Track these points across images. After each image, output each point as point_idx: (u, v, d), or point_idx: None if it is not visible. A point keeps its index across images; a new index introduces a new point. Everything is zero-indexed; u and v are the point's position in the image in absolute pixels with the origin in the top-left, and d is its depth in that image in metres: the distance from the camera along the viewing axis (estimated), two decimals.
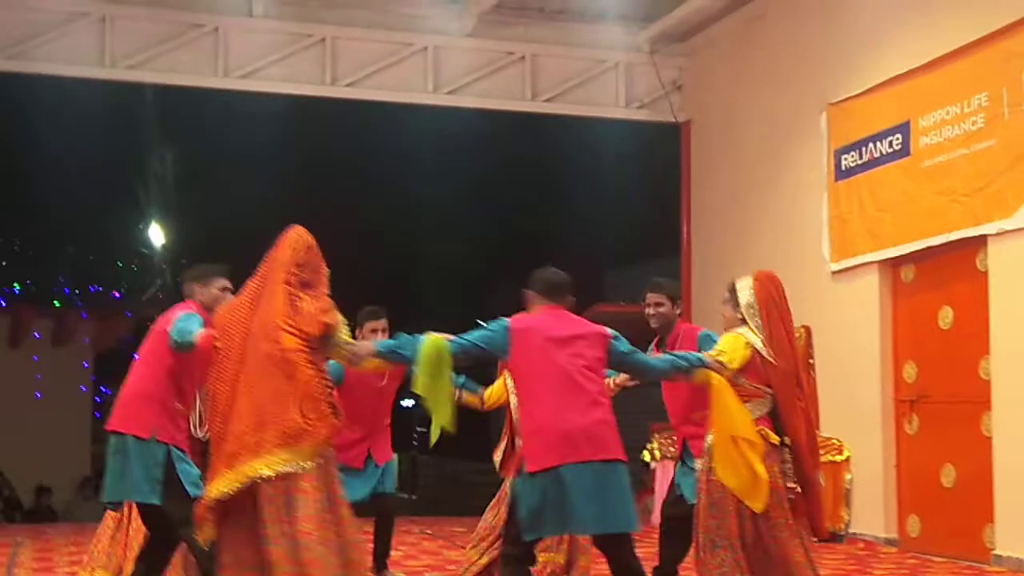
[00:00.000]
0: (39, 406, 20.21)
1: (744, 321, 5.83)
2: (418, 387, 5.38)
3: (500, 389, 6.93)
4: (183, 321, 5.86)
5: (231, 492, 5.14)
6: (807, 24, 11.46)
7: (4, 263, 21.57)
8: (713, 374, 5.68)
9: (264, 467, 5.10)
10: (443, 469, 23.79)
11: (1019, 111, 8.78)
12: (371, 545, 7.72)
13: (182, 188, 19.24)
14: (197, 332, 5.63)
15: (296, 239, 5.48)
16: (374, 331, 7.30)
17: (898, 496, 10.10)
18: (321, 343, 5.26)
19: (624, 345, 5.62)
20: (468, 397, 7.01)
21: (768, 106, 11.99)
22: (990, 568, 8.72)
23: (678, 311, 6.72)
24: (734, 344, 5.74)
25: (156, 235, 21.19)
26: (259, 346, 5.22)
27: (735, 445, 5.58)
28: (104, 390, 22.77)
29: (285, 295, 5.28)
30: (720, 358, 5.67)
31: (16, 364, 20.36)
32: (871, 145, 10.39)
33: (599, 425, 5.37)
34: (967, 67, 9.32)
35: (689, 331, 6.63)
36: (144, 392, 6.02)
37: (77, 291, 21.41)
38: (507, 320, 5.51)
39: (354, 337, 7.21)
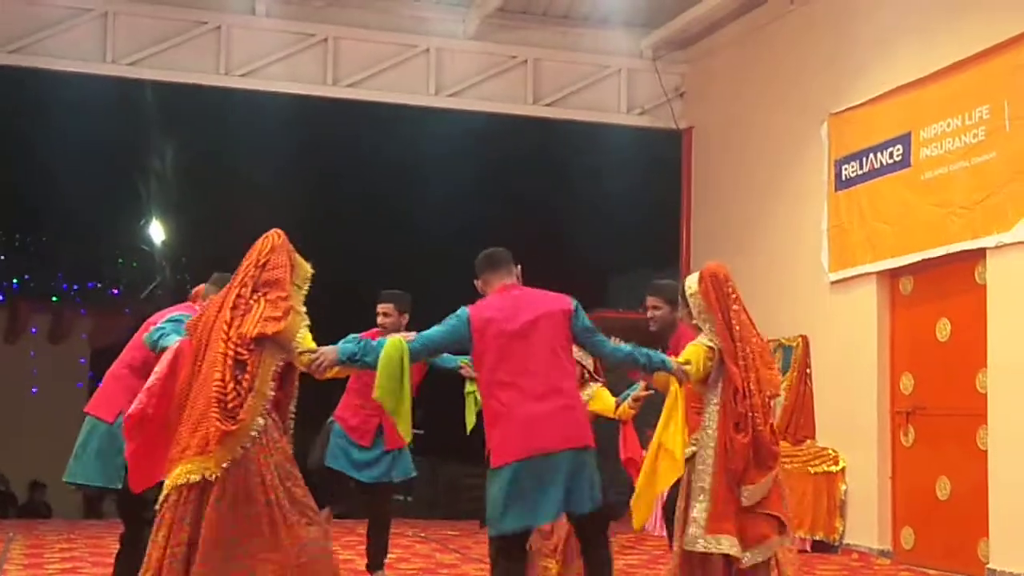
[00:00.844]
0: (35, 402, 20.24)
1: (699, 329, 5.73)
2: (377, 393, 5.30)
3: None
4: (172, 324, 5.88)
5: (165, 495, 5.12)
6: (809, 34, 11.45)
7: (3, 258, 21.55)
8: (674, 381, 5.62)
9: (181, 475, 5.07)
10: (437, 472, 23.75)
11: (1020, 124, 8.76)
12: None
13: (183, 185, 19.23)
14: (174, 342, 5.67)
15: (262, 241, 5.45)
16: (378, 314, 7.40)
17: (893, 508, 10.08)
18: (265, 346, 5.17)
19: (585, 321, 5.53)
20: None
21: (769, 115, 11.99)
22: None
23: (678, 314, 6.52)
24: (697, 353, 5.63)
25: (156, 232, 21.19)
26: (208, 353, 5.22)
27: (655, 453, 5.57)
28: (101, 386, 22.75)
29: (235, 298, 5.26)
30: (686, 367, 5.59)
31: (13, 360, 20.40)
32: (872, 156, 10.38)
33: (561, 412, 5.31)
34: (969, 79, 9.31)
35: (690, 334, 6.37)
36: (117, 377, 6.17)
37: (75, 287, 21.40)
38: (467, 310, 5.41)
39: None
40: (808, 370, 11.11)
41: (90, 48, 11.96)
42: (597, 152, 14.90)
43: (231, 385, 5.08)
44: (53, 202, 19.20)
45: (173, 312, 6.10)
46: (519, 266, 5.70)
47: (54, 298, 21.15)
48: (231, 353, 5.13)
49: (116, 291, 21.79)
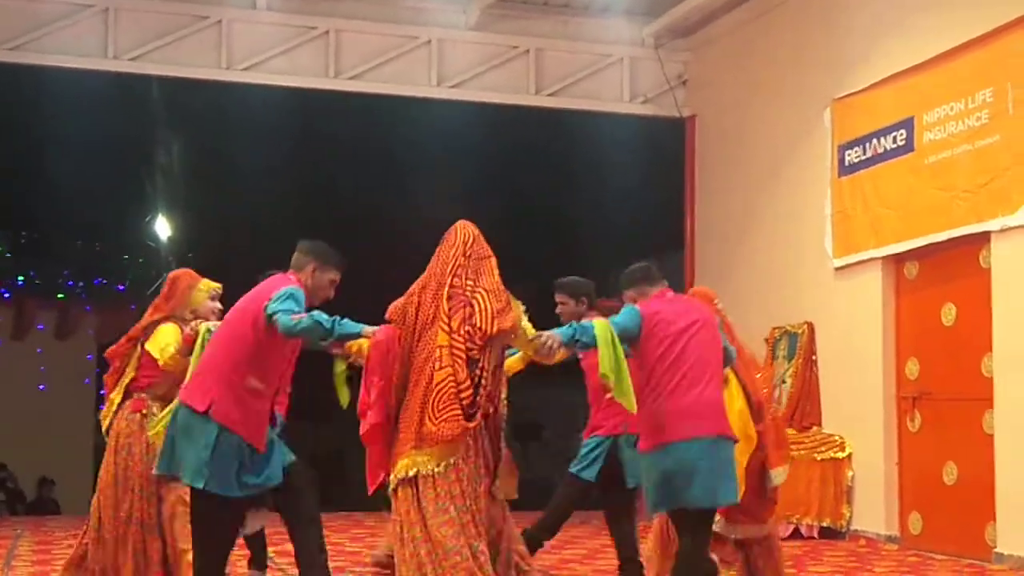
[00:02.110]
0: (43, 398, 20.30)
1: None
2: (604, 368, 5.40)
3: None
4: (294, 302, 5.43)
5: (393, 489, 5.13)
6: (812, 19, 11.42)
7: (9, 255, 21.57)
8: (730, 371, 6.05)
9: (401, 469, 5.08)
10: None
11: (1023, 107, 8.74)
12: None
13: (187, 180, 19.23)
14: (365, 328, 5.38)
15: (462, 231, 5.43)
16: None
17: (900, 493, 10.07)
18: (495, 342, 5.19)
19: (722, 328, 5.91)
20: None
21: (772, 101, 11.96)
22: (991, 566, 8.70)
23: (583, 307, 7.03)
24: None
25: (161, 227, 21.19)
26: (424, 344, 5.14)
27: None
28: None
29: (448, 290, 5.21)
30: None
31: (20, 356, 20.44)
32: (875, 141, 10.35)
33: (713, 403, 5.55)
34: (972, 63, 9.28)
35: None
36: (213, 364, 5.68)
37: (81, 284, 21.41)
38: (636, 306, 5.66)
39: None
40: (813, 357, 11.10)
41: (91, 44, 11.95)
42: (600, 141, 14.88)
43: (467, 382, 5.04)
44: (57, 199, 19.21)
45: (280, 286, 5.57)
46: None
47: (60, 295, 21.17)
48: (462, 348, 5.07)
49: (122, 287, 21.80)
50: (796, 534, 10.35)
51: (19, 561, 8.40)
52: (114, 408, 6.63)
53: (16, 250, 21.54)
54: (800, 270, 11.36)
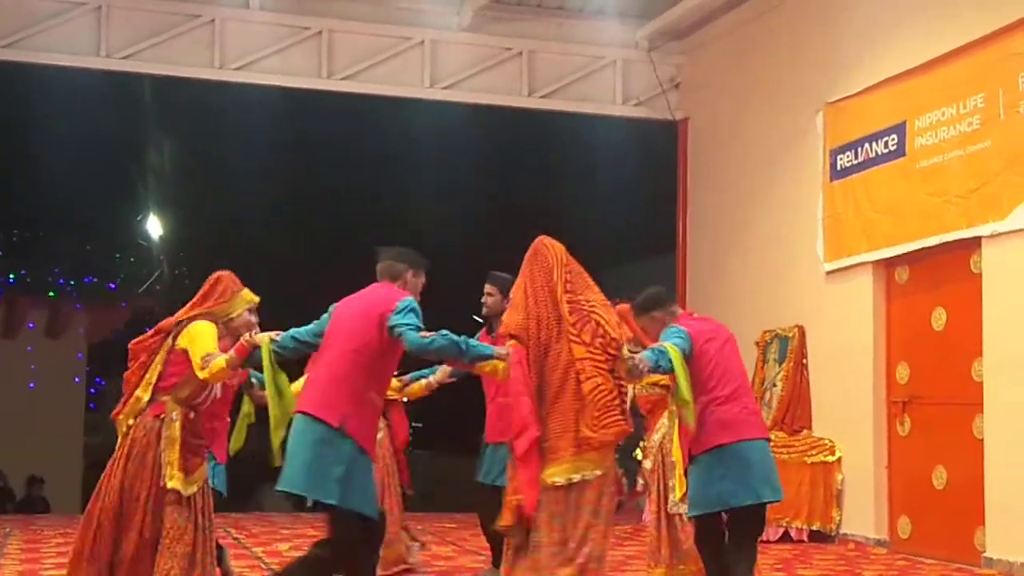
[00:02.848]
0: (33, 397, 20.28)
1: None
2: (683, 394, 5.60)
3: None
4: (416, 316, 5.33)
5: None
6: (805, 23, 11.44)
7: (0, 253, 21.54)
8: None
9: (556, 475, 5.17)
10: (436, 466, 23.81)
11: (1015, 113, 8.76)
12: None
13: (179, 179, 19.24)
14: (497, 350, 5.39)
15: (553, 247, 5.53)
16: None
17: (889, 497, 10.09)
18: (620, 350, 5.31)
19: None
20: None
21: (765, 105, 11.98)
22: (980, 570, 8.71)
23: (506, 303, 6.97)
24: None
25: (153, 226, 21.19)
26: (555, 357, 5.25)
27: None
28: (98, 381, 22.81)
29: (566, 304, 5.32)
30: None
31: (10, 355, 20.40)
32: (867, 145, 10.37)
33: (757, 410, 5.96)
34: (964, 68, 9.30)
35: None
36: (338, 377, 5.40)
37: (72, 282, 21.38)
38: (683, 327, 5.87)
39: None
40: (804, 360, 11.12)
41: (84, 42, 11.93)
42: (592, 144, 14.91)
43: (615, 391, 5.23)
44: (49, 197, 19.21)
45: (396, 297, 5.44)
46: None
47: (51, 293, 21.14)
48: (602, 359, 5.24)
49: (113, 285, 21.79)
50: (786, 537, 10.36)
51: (8, 560, 8.39)
52: (141, 406, 5.97)
53: (7, 248, 21.50)
54: (791, 273, 11.38)
